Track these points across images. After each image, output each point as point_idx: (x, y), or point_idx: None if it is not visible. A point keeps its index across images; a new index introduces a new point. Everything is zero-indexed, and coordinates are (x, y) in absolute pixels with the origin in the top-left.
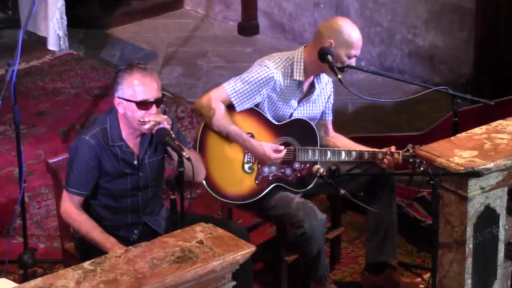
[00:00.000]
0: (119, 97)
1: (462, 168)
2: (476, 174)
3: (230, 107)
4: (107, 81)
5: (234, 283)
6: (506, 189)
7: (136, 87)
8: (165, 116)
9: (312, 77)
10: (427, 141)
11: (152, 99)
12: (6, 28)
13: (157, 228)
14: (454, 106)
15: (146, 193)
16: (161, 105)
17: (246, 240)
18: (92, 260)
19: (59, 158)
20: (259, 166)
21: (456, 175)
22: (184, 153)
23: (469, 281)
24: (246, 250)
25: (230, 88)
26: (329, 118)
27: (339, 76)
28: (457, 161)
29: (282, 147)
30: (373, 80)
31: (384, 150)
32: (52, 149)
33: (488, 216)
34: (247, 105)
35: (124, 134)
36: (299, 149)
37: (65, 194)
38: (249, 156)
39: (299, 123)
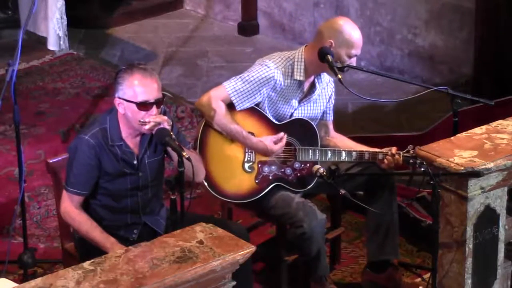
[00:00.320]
0: (119, 98)
1: (462, 168)
2: (476, 174)
3: (230, 106)
4: (107, 81)
5: (234, 283)
6: (506, 189)
7: (136, 87)
8: (165, 117)
9: (312, 77)
10: (427, 141)
11: (152, 100)
12: (6, 28)
13: (157, 228)
14: (454, 106)
15: (145, 193)
16: (161, 106)
17: (246, 240)
18: (92, 260)
19: (59, 158)
20: (259, 165)
21: (456, 175)
22: (184, 153)
23: (469, 281)
24: (246, 250)
25: (230, 87)
26: (330, 118)
27: (339, 76)
28: (457, 161)
29: (282, 134)
30: (373, 80)
31: (384, 150)
32: (52, 149)
33: (488, 216)
34: (247, 104)
35: (124, 134)
36: (299, 149)
37: (64, 194)
38: (249, 155)
39: (299, 123)
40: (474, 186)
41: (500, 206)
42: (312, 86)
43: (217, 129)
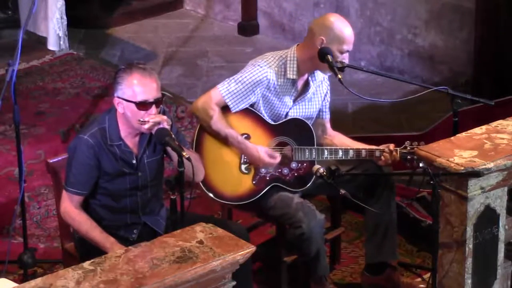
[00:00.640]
0: (118, 97)
1: (462, 168)
2: (476, 174)
3: (226, 108)
4: (107, 81)
5: (234, 283)
6: (506, 189)
7: (135, 87)
8: (165, 116)
9: (306, 75)
10: (427, 141)
11: (151, 100)
12: (6, 28)
13: (156, 228)
14: (454, 106)
15: (145, 193)
16: (161, 105)
17: (246, 240)
18: (92, 260)
19: (59, 158)
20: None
21: (456, 175)
22: (184, 154)
23: (469, 281)
24: (246, 250)
25: (224, 90)
26: (327, 116)
27: (339, 76)
28: (457, 161)
29: (277, 154)
30: (373, 80)
31: (381, 147)
32: (52, 149)
33: (488, 216)
34: (242, 106)
35: (123, 134)
36: (295, 148)
37: (64, 194)
38: (245, 157)
39: (295, 122)
40: (474, 186)
41: (500, 206)
42: (306, 85)
43: (212, 133)
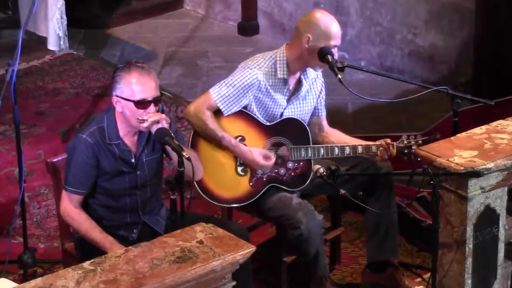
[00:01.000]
0: (117, 96)
1: (462, 168)
2: (476, 174)
3: (219, 111)
4: (107, 81)
5: (234, 283)
6: (506, 189)
7: (134, 86)
8: (163, 115)
9: (298, 74)
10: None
11: (150, 98)
12: (6, 28)
13: (156, 228)
14: (454, 106)
15: (144, 192)
16: (159, 104)
17: (246, 240)
18: (92, 260)
19: (59, 158)
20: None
21: (456, 175)
22: (184, 153)
23: (469, 281)
24: (246, 250)
25: (215, 94)
26: (323, 113)
27: (339, 76)
28: (457, 161)
29: (272, 155)
30: (373, 80)
31: (378, 142)
32: (52, 149)
33: (488, 216)
34: (234, 109)
35: (121, 133)
36: (291, 148)
37: (64, 193)
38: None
39: (290, 122)
40: (474, 186)
41: (500, 206)
42: (299, 83)
43: (206, 137)
